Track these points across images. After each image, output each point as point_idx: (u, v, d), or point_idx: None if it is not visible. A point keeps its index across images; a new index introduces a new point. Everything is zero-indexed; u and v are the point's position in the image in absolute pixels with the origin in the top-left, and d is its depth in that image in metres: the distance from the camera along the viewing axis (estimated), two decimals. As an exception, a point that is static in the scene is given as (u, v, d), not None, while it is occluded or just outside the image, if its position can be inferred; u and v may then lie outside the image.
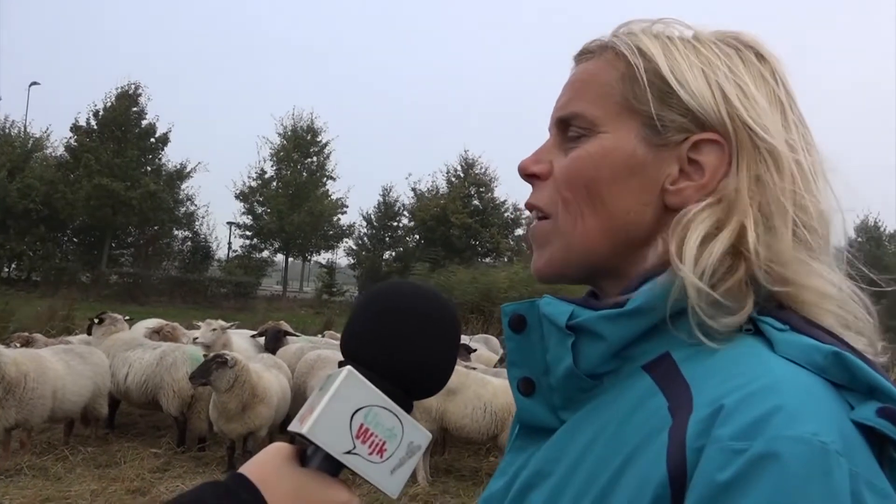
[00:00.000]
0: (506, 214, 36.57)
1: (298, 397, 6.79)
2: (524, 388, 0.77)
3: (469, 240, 34.48)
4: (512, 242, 36.56)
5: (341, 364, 0.74)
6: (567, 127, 0.78)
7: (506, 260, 32.86)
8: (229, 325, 8.25)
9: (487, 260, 33.66)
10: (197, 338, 8.06)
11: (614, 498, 0.62)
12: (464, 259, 30.66)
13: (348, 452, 0.70)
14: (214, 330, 7.94)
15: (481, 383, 6.22)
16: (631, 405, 0.67)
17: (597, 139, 0.75)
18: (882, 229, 37.84)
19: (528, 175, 0.81)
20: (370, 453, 0.71)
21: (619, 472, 0.63)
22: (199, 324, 8.62)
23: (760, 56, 0.76)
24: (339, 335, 10.65)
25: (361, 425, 0.70)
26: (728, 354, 0.65)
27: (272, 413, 6.28)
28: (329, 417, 0.69)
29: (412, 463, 0.74)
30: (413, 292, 0.76)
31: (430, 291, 0.77)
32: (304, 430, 0.69)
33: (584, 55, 0.81)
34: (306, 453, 0.73)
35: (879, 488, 0.54)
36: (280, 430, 6.95)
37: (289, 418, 6.97)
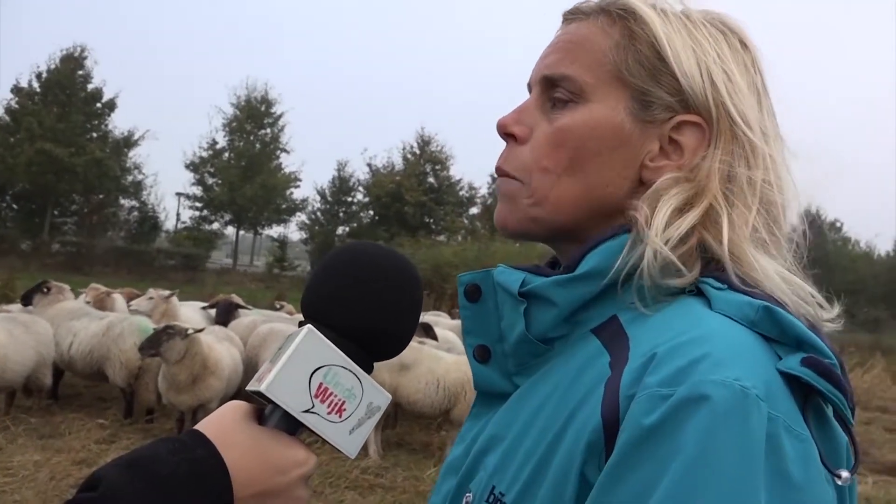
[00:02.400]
0: (461, 193, 36.59)
1: (250, 370, 6.71)
2: (480, 355, 0.79)
3: (423, 217, 34.45)
4: (466, 221, 36.64)
5: (301, 324, 0.74)
6: (553, 87, 0.77)
7: (460, 238, 32.93)
8: (168, 293, 8.03)
9: (441, 238, 33.66)
10: (131, 305, 7.89)
11: (559, 450, 0.65)
12: (418, 237, 30.61)
13: (307, 411, 0.70)
14: (151, 299, 7.76)
15: (434, 359, 6.25)
16: (579, 366, 0.70)
17: (586, 108, 0.75)
18: (823, 218, 39.04)
19: (506, 134, 0.80)
20: (329, 413, 0.71)
21: (564, 428, 0.66)
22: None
23: (744, 44, 0.77)
24: (294, 308, 10.50)
25: (321, 384, 0.70)
26: (667, 313, 0.68)
27: (223, 385, 6.21)
28: (288, 376, 0.69)
29: (371, 423, 0.75)
30: (376, 253, 0.76)
31: (392, 253, 0.77)
32: (262, 387, 0.68)
33: (575, 15, 0.80)
34: (264, 413, 0.73)
35: (797, 432, 0.57)
36: (230, 402, 6.85)
37: (240, 392, 6.91)
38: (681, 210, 0.70)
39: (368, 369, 0.75)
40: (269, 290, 22.28)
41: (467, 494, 0.74)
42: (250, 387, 0.71)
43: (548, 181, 0.75)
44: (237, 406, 0.73)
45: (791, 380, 0.60)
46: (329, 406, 0.71)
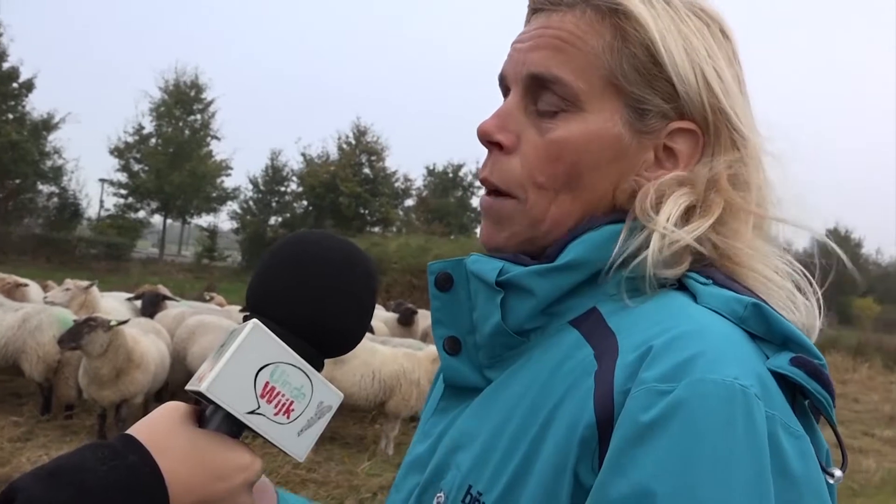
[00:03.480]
0: (396, 184, 36.49)
1: (178, 364, 6.53)
2: (450, 346, 0.75)
3: (358, 209, 34.19)
4: (401, 213, 36.60)
5: (247, 318, 0.69)
6: (541, 89, 0.71)
7: (394, 230, 32.87)
8: (86, 284, 7.66)
9: (376, 230, 33.53)
10: (46, 296, 7.53)
11: (544, 447, 0.62)
12: (353, 228, 30.43)
13: (252, 412, 0.66)
14: (68, 290, 7.38)
15: (370, 351, 6.22)
16: (558, 359, 0.67)
17: (581, 118, 0.70)
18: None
19: (490, 143, 0.74)
20: (276, 413, 0.67)
21: (548, 422, 0.63)
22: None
23: (724, 34, 0.74)
24: (224, 300, 10.27)
25: (267, 383, 0.66)
26: (653, 305, 0.66)
27: (149, 379, 5.98)
28: (231, 374, 0.65)
29: (322, 424, 0.71)
30: (328, 243, 0.72)
31: (348, 245, 0.73)
32: (202, 387, 0.64)
33: (557, 5, 0.73)
34: (205, 414, 0.68)
35: (794, 430, 0.57)
36: (155, 397, 6.67)
37: (167, 386, 6.69)
38: (688, 211, 0.68)
39: (319, 367, 0.70)
40: (198, 281, 21.77)
41: (438, 494, 0.70)
42: (190, 386, 0.66)
43: (545, 199, 0.71)
44: (174, 407, 0.68)
45: (779, 378, 0.59)
46: (276, 406, 0.67)
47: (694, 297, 0.67)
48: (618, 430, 0.57)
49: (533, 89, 0.72)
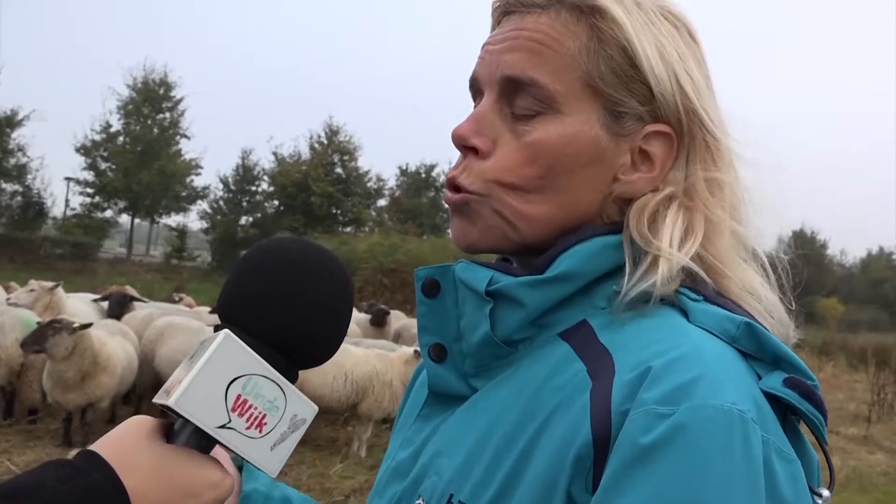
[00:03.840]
0: (368, 184, 36.40)
1: (146, 366, 6.42)
2: (435, 354, 0.74)
3: (330, 208, 34.03)
4: (374, 213, 36.50)
5: (217, 328, 0.66)
6: (516, 91, 0.70)
7: (367, 230, 32.79)
8: (51, 284, 7.49)
9: (348, 230, 33.40)
10: (10, 298, 7.35)
11: (533, 461, 0.61)
12: (325, 228, 30.29)
13: (223, 427, 0.63)
14: (32, 291, 7.20)
15: (342, 353, 6.16)
16: (547, 371, 0.66)
17: (558, 121, 0.69)
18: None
19: (465, 147, 0.73)
20: (248, 427, 0.65)
21: (537, 436, 0.62)
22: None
23: (692, 36, 0.74)
24: (194, 301, 10.13)
25: (239, 396, 0.64)
26: (646, 322, 0.65)
27: (115, 382, 5.86)
28: (201, 387, 0.62)
29: (295, 438, 0.69)
30: (303, 250, 0.70)
31: (323, 252, 0.71)
32: (170, 401, 0.61)
33: (529, 7, 0.71)
34: (173, 428, 0.65)
35: (786, 454, 0.57)
36: (123, 400, 6.54)
37: (134, 389, 6.58)
38: (688, 230, 0.68)
39: (293, 378, 0.68)
40: (166, 282, 21.53)
41: (418, 501, 0.69)
42: (157, 400, 0.64)
43: (517, 199, 0.70)
44: (140, 422, 0.65)
45: (770, 398, 0.59)
46: (248, 420, 0.64)
47: (684, 312, 0.66)
48: (617, 451, 0.56)
49: (508, 92, 0.71)
